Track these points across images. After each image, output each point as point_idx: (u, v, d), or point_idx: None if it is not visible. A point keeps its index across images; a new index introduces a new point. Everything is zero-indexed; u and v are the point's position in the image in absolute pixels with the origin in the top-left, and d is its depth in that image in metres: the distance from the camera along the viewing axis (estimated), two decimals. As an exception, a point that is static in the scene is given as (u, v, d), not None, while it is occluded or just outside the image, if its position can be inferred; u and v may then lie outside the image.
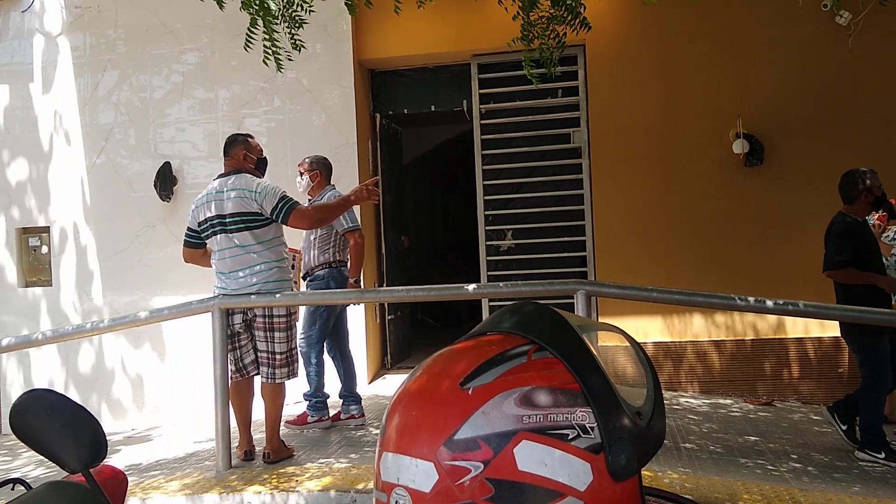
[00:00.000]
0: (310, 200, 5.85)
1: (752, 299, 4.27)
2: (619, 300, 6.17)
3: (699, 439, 5.21)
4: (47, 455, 1.61)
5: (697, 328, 6.98)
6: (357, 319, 7.17)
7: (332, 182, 5.99)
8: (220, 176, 4.93)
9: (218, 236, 4.80)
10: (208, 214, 4.82)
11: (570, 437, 0.91)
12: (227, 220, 4.77)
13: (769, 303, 4.22)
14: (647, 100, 7.08)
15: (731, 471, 4.48)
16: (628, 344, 1.14)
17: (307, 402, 5.82)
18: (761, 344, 6.86)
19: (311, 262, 5.73)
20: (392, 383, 7.32)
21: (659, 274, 6.67)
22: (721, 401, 6.60)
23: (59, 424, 1.56)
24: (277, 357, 4.89)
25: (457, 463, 0.89)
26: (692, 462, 4.62)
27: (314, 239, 5.73)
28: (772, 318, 6.76)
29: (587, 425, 0.92)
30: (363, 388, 7.16)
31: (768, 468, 4.56)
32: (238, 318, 4.85)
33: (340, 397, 5.88)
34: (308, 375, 5.71)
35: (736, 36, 6.93)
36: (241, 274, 4.78)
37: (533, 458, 0.89)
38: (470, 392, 0.93)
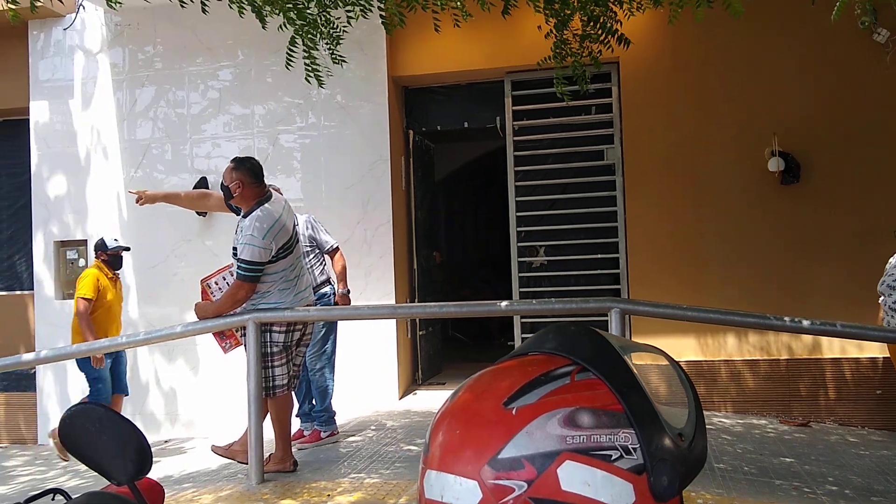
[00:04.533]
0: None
1: (787, 319, 4.23)
2: (651, 318, 6.14)
3: (733, 460, 5.15)
4: (94, 467, 1.64)
5: (731, 347, 6.91)
6: (388, 335, 7.20)
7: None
8: (267, 199, 4.80)
9: (294, 253, 4.90)
10: (288, 235, 4.82)
11: (613, 457, 0.91)
12: (296, 237, 4.97)
13: (805, 323, 4.17)
14: (682, 117, 7.05)
15: (766, 492, 4.42)
16: (669, 364, 1.14)
17: (317, 418, 5.78)
18: (796, 364, 6.77)
19: (312, 282, 5.55)
20: (423, 399, 7.33)
21: (691, 292, 6.62)
22: (755, 421, 6.52)
23: (106, 437, 1.59)
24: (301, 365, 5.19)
25: (501, 482, 0.90)
26: (726, 483, 4.56)
27: (308, 261, 5.66)
28: (807, 337, 6.67)
29: (630, 446, 0.92)
30: (394, 403, 7.18)
31: (804, 490, 4.49)
32: (299, 333, 4.93)
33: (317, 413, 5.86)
34: (321, 390, 5.73)
35: (771, 53, 6.88)
36: (307, 286, 5.01)
37: (576, 479, 0.89)
38: (514, 412, 0.94)
